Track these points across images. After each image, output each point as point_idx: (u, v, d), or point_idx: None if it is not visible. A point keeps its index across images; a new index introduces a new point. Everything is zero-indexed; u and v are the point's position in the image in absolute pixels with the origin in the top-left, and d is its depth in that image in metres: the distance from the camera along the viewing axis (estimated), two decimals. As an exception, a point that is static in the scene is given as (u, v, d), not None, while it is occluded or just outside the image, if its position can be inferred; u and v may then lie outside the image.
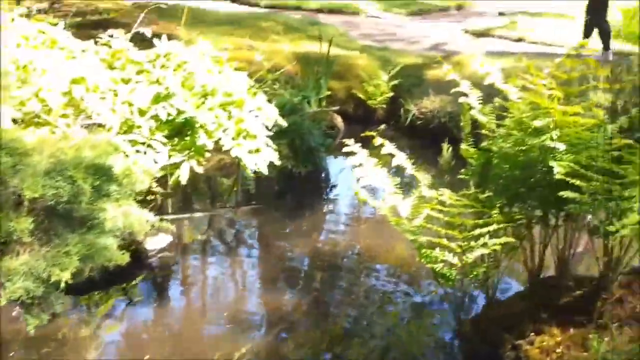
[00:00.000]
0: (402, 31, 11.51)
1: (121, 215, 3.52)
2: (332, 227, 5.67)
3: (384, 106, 8.20)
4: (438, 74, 8.15)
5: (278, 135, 6.78)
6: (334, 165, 6.98)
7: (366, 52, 9.21)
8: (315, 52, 8.24)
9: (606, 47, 9.31)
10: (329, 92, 7.96)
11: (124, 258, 3.64)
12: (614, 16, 14.01)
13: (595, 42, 9.69)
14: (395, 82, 8.15)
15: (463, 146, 3.72)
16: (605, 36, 9.32)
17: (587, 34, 9.39)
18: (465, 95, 3.68)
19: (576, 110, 3.16)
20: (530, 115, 3.32)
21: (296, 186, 6.46)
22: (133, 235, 3.84)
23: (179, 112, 4.03)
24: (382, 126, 7.95)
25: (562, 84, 3.42)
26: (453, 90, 3.85)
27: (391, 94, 8.14)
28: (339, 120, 7.90)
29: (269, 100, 7.63)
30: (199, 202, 6.11)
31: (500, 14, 13.04)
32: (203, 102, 4.11)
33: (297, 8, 13.36)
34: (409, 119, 7.80)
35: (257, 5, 13.77)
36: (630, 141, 3.01)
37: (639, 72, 3.42)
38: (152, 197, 5.05)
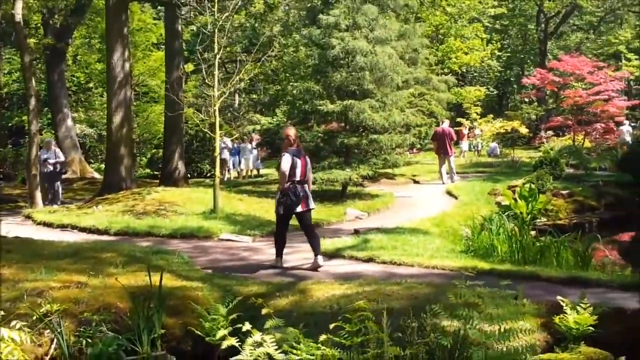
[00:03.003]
0: (254, 255, 11.22)
1: None
2: None
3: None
4: (281, 303, 7.84)
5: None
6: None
7: (208, 281, 8.72)
8: (148, 286, 7.66)
9: (316, 252, 9.62)
10: (163, 331, 7.31)
11: None
12: (464, 233, 14.61)
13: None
14: (234, 316, 7.61)
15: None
16: (315, 242, 9.63)
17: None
18: None
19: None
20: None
21: None
22: None
23: None
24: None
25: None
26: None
27: (230, 329, 7.55)
28: (172, 364, 7.20)
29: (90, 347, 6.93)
30: None
31: (355, 231, 13.15)
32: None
33: (148, 234, 12.92)
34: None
35: (107, 232, 13.22)
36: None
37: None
38: None
